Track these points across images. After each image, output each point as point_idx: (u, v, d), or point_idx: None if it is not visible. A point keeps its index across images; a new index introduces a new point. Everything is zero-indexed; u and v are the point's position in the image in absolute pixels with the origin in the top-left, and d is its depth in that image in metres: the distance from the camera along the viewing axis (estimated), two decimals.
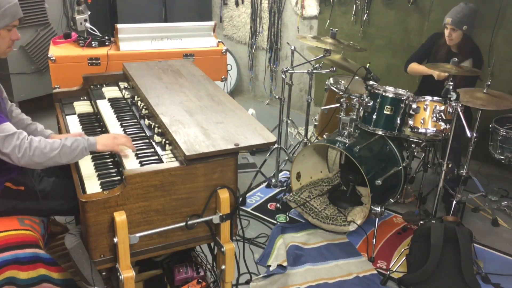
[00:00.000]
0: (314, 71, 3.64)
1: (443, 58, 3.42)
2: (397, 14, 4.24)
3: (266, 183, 3.68)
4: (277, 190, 3.63)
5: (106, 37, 3.33)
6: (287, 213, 3.32)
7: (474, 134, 2.99)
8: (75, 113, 2.58)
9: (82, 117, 2.53)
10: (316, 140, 3.82)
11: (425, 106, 3.00)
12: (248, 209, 3.37)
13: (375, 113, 3.12)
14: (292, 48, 3.58)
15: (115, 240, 1.78)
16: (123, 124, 2.34)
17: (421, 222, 2.96)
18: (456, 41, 3.37)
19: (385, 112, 3.10)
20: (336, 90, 3.61)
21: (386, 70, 4.34)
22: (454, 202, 3.10)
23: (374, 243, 2.99)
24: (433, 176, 3.55)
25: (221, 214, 1.94)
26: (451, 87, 2.79)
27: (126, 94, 2.66)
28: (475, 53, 3.42)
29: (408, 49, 4.08)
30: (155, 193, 1.83)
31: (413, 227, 3.09)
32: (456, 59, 3.00)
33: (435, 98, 2.99)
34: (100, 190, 1.89)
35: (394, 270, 2.79)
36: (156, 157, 2.02)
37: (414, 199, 3.50)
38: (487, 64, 3.65)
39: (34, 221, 2.10)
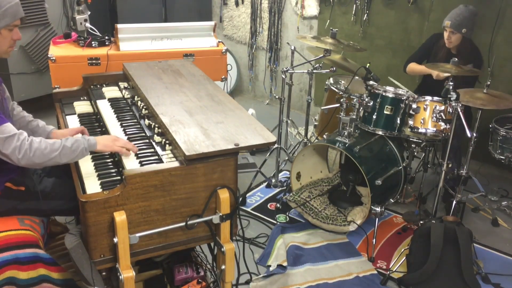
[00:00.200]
0: (314, 71, 3.64)
1: (442, 59, 3.41)
2: (397, 14, 4.24)
3: (266, 183, 3.67)
4: (277, 190, 3.63)
5: (106, 37, 3.33)
6: (287, 213, 3.32)
7: (474, 134, 2.98)
8: (75, 113, 2.58)
9: (82, 117, 2.53)
10: (316, 140, 3.82)
11: (425, 106, 3.00)
12: (248, 209, 3.37)
13: (375, 113, 3.12)
14: (292, 48, 3.58)
15: (115, 240, 1.78)
16: (123, 124, 2.34)
17: (421, 222, 2.95)
18: (455, 44, 3.37)
19: (385, 112, 3.10)
20: (336, 90, 3.61)
21: (386, 70, 4.34)
22: (454, 202, 3.10)
23: (374, 243, 2.99)
24: (433, 176, 3.55)
25: (221, 214, 1.94)
26: (451, 87, 2.79)
27: (126, 94, 2.66)
28: (475, 57, 3.41)
29: (408, 49, 4.08)
30: (155, 193, 1.83)
31: (413, 227, 3.09)
32: (456, 59, 3.00)
33: (435, 98, 2.99)
34: (100, 190, 1.89)
35: (394, 270, 2.79)
36: (156, 157, 2.02)
37: (414, 199, 3.50)
38: (487, 64, 3.65)
39: (34, 221, 2.10)
